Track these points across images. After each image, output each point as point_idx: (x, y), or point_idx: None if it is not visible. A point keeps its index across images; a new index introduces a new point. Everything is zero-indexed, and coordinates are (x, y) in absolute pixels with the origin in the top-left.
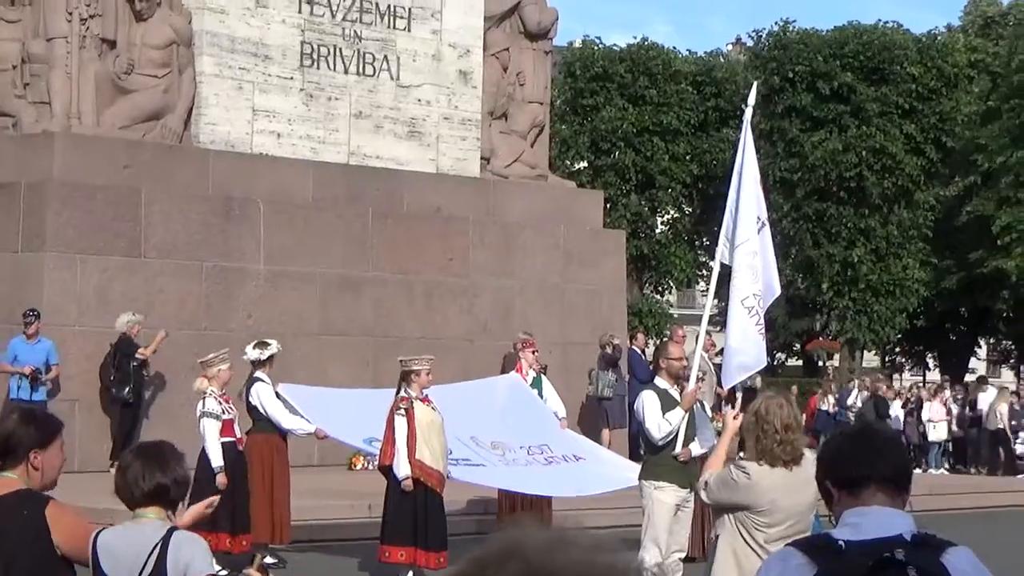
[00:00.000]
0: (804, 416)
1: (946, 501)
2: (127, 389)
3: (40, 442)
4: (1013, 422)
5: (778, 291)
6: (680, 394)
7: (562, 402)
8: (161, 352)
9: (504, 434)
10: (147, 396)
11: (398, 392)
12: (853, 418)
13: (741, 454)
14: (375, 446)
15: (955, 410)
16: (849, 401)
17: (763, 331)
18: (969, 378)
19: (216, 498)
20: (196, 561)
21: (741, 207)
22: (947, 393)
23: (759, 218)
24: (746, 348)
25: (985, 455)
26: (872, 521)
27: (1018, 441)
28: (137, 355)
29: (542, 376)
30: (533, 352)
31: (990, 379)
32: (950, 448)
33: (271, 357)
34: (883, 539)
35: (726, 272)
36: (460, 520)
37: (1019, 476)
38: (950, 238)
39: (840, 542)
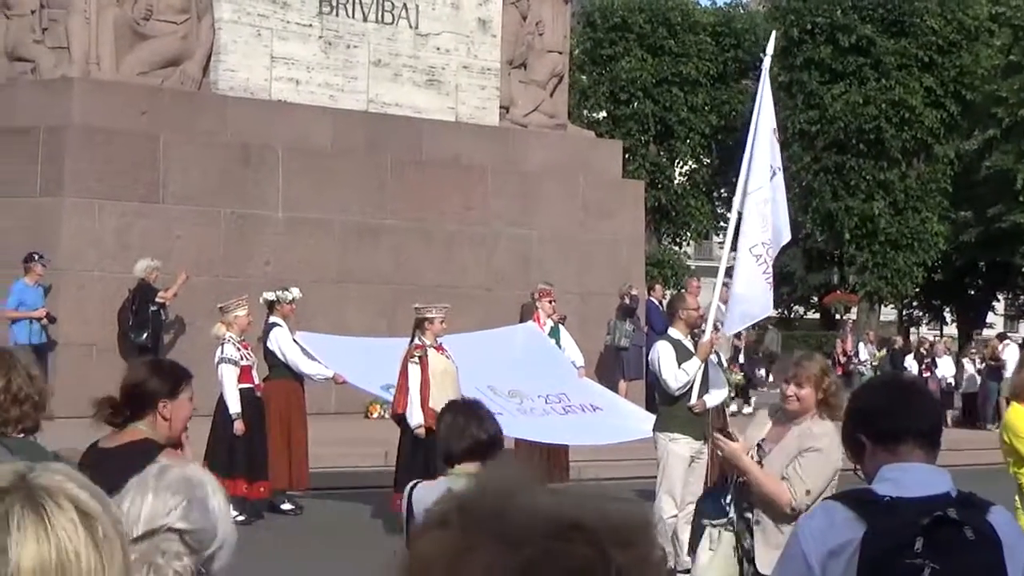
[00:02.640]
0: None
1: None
2: (145, 335)
3: (170, 392)
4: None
5: (787, 237)
6: (695, 345)
7: (580, 352)
8: (179, 298)
9: (522, 383)
10: (165, 342)
11: (412, 340)
12: (867, 372)
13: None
14: (392, 392)
15: (973, 366)
16: (862, 356)
17: (771, 280)
18: (987, 332)
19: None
20: None
21: (755, 155)
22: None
23: (771, 166)
24: (752, 296)
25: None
26: (914, 478)
27: None
28: (158, 298)
29: (560, 326)
30: (550, 302)
31: (1009, 334)
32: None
33: (293, 300)
34: (932, 497)
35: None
36: None
37: None
38: (969, 192)
39: (886, 497)
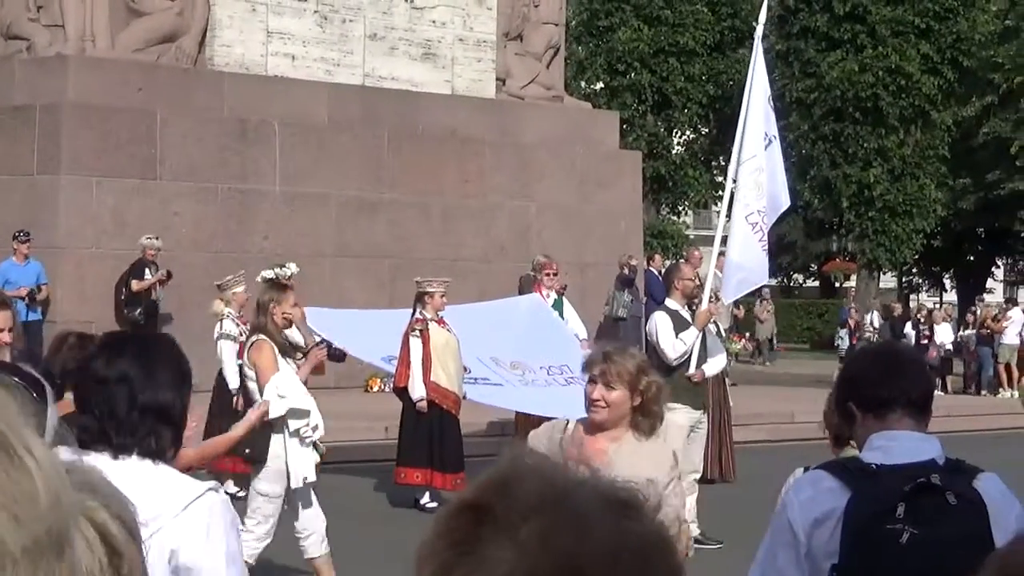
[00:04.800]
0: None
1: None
2: (138, 310)
3: None
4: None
5: (786, 204)
6: (693, 315)
7: (583, 323)
8: (177, 274)
9: (524, 354)
10: (162, 318)
11: (413, 313)
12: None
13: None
14: (394, 364)
15: (968, 332)
16: (876, 324)
17: (766, 247)
18: (988, 299)
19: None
20: None
21: (748, 124)
22: None
23: (766, 134)
24: (748, 264)
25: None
26: (902, 446)
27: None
28: (132, 283)
29: (563, 298)
30: (551, 274)
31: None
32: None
33: (291, 276)
34: (917, 463)
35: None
36: (478, 442)
37: None
38: (968, 158)
39: (872, 465)
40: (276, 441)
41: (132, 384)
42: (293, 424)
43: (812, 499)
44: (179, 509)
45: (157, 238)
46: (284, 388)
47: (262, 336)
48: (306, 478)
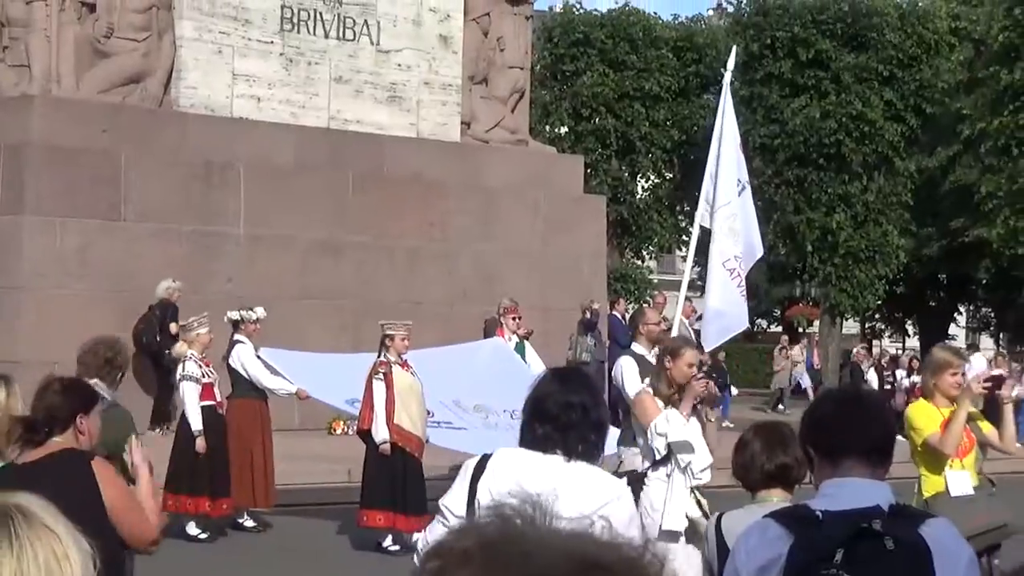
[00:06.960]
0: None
1: None
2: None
3: (85, 407)
4: None
5: (760, 252)
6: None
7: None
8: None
9: (487, 397)
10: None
11: (378, 356)
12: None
13: None
14: (356, 407)
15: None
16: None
17: (744, 293)
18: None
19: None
20: None
21: (721, 170)
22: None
23: (739, 181)
24: (728, 310)
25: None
26: (849, 492)
27: None
28: (172, 325)
29: (525, 342)
30: (514, 318)
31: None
32: None
33: (258, 320)
34: (860, 509)
35: (706, 237)
36: (441, 485)
37: None
38: (932, 206)
39: (817, 512)
40: (657, 477)
41: (587, 406)
42: (683, 459)
43: (758, 547)
44: (616, 498)
45: (175, 280)
46: (663, 427)
47: (645, 390)
48: (673, 525)
